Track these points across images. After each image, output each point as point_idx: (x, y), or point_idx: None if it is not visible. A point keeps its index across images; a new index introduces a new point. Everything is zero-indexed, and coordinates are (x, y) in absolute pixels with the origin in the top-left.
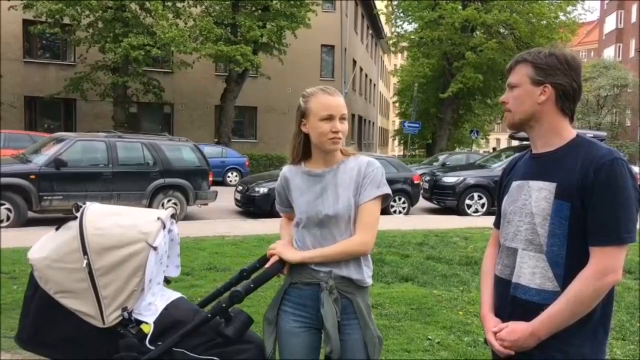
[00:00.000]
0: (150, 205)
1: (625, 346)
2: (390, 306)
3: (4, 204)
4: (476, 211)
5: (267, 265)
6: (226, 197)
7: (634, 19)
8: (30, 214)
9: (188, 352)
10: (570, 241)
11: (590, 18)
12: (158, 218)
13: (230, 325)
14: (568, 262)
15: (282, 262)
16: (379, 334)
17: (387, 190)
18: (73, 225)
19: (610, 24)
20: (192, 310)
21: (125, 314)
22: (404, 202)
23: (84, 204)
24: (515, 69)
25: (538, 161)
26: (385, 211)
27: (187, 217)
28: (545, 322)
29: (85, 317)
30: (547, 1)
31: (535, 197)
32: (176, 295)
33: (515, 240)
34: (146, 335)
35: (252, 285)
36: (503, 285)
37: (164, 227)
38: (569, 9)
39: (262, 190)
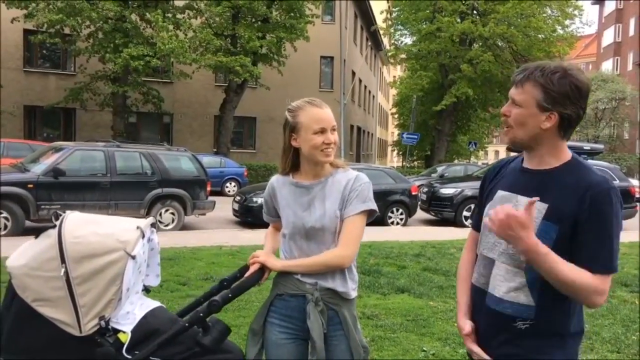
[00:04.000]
0: (148, 215)
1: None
2: (385, 317)
3: (2, 213)
4: None
5: (246, 275)
6: (224, 207)
7: (632, 32)
8: (28, 223)
9: None
10: None
11: (589, 31)
12: (137, 227)
13: (207, 334)
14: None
15: (261, 271)
16: (364, 343)
17: (373, 206)
18: (52, 233)
19: (609, 37)
20: (170, 319)
21: (103, 322)
22: (401, 213)
23: (64, 212)
24: (525, 86)
25: (530, 177)
26: (382, 222)
27: (185, 227)
28: (544, 255)
29: (62, 326)
30: (544, 15)
31: None
32: (155, 304)
33: (493, 251)
34: (123, 344)
35: (230, 295)
36: (478, 294)
37: (144, 236)
38: (567, 22)
39: (260, 200)
